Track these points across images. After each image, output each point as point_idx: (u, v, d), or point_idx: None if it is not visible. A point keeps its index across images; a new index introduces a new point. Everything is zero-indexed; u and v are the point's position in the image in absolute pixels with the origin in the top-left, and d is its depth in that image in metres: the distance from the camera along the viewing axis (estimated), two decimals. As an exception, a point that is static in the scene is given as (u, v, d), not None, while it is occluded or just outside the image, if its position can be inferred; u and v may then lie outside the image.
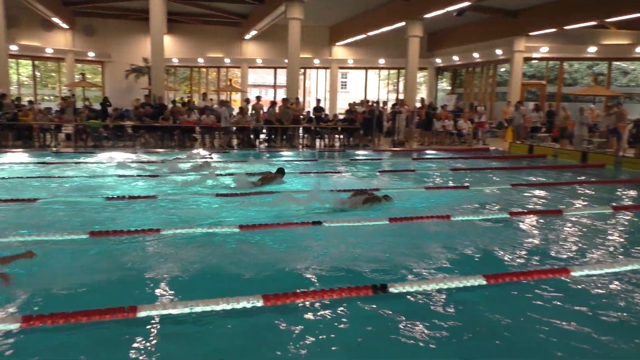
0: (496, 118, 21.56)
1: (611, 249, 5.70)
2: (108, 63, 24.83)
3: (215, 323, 3.67)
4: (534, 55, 21.74)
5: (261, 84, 33.53)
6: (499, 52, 21.86)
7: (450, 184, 9.45)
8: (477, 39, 22.76)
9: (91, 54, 24.13)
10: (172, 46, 24.58)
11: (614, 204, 7.87)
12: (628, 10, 16.19)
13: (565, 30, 19.44)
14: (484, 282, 4.36)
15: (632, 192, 9.42)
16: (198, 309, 3.73)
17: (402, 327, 3.75)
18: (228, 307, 3.78)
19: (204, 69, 27.30)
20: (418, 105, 19.30)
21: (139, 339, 3.44)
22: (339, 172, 10.79)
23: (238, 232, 5.76)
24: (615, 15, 17.04)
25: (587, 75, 24.24)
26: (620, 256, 5.45)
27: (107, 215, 6.50)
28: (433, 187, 8.86)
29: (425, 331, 3.67)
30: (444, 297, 4.18)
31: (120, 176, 9.46)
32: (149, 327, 3.58)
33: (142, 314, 3.66)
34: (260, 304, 3.85)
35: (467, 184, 9.23)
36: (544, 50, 21.40)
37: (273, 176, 9.08)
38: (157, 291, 4.20)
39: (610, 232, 6.41)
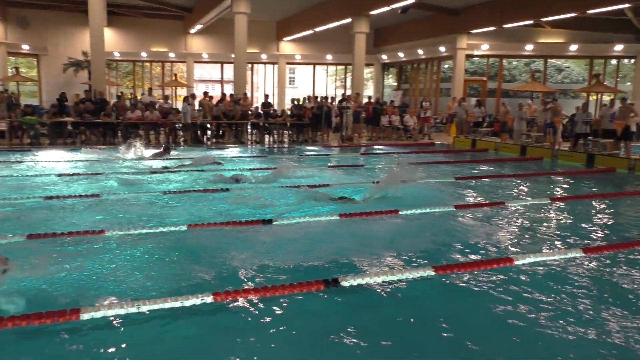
0: (441, 113, 22.13)
1: (551, 238, 5.97)
2: (44, 56, 23.64)
3: (164, 322, 3.57)
4: (476, 52, 22.44)
5: (208, 79, 32.95)
6: (442, 49, 22.43)
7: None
8: (421, 36, 23.25)
9: (25, 47, 22.90)
10: (113, 39, 23.71)
11: (551, 195, 8.24)
12: (561, 10, 16.99)
13: (504, 28, 20.18)
14: (433, 273, 4.46)
15: (568, 184, 9.91)
16: (145, 309, 3.62)
17: (354, 320, 3.77)
18: (177, 305, 3.69)
19: (147, 64, 26.51)
20: (365, 100, 19.53)
21: (82, 342, 3.29)
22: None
23: (186, 230, 5.63)
24: (550, 15, 17.84)
25: (525, 72, 25.29)
26: (559, 244, 5.72)
27: (45, 217, 6.19)
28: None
29: (378, 323, 3.71)
30: (396, 288, 4.24)
31: (60, 175, 9.06)
32: (94, 329, 3.44)
33: (85, 316, 3.50)
34: (210, 300, 3.78)
35: (413, 178, 9.41)
36: (485, 47, 22.13)
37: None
38: (104, 292, 4.03)
39: (549, 222, 6.71)
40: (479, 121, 19.03)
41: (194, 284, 4.18)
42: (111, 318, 3.56)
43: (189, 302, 3.73)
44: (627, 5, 16.47)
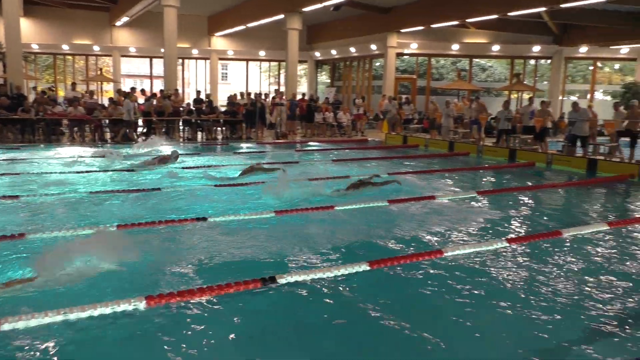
0: (373, 110, 22.58)
1: (478, 229, 6.26)
2: (-48, 47, 21.85)
3: (94, 330, 3.42)
4: (405, 51, 23.06)
5: (136, 74, 31.75)
6: (373, 47, 22.87)
7: (332, 174, 9.70)
8: (353, 34, 23.59)
9: None
10: (30, 30, 22.29)
11: (478, 189, 8.63)
12: (484, 12, 17.81)
13: (432, 28, 20.87)
14: (368, 268, 4.55)
15: (492, 178, 10.42)
16: (73, 316, 3.45)
17: (292, 317, 3.79)
18: (107, 311, 3.54)
19: (69, 57, 25.16)
20: (299, 97, 19.57)
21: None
22: (223, 166, 10.57)
23: (116, 232, 5.41)
24: (474, 16, 18.65)
25: (452, 70, 26.30)
26: (486, 236, 6.00)
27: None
28: (316, 179, 9.03)
29: (315, 319, 3.74)
30: (333, 284, 4.29)
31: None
32: (20, 340, 3.23)
33: (5, 327, 3.29)
34: (143, 306, 3.65)
35: (347, 175, 9.56)
36: (414, 46, 22.79)
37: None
38: (28, 301, 3.78)
39: (476, 214, 7.02)
40: (410, 118, 19.61)
41: (126, 288, 4.03)
42: (38, 327, 3.36)
43: (120, 308, 3.58)
44: (544, 8, 17.52)
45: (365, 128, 20.23)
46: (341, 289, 4.24)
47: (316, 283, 4.29)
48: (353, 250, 5.25)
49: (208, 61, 26.29)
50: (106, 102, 16.01)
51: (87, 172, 9.32)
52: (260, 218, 6.19)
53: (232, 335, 3.49)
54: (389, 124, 19.38)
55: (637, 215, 7.33)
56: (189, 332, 3.48)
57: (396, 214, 6.82)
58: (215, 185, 8.16)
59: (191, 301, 3.84)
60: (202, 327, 3.55)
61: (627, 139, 12.88)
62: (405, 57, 24.29)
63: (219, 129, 16.98)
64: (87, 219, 6.03)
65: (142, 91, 17.07)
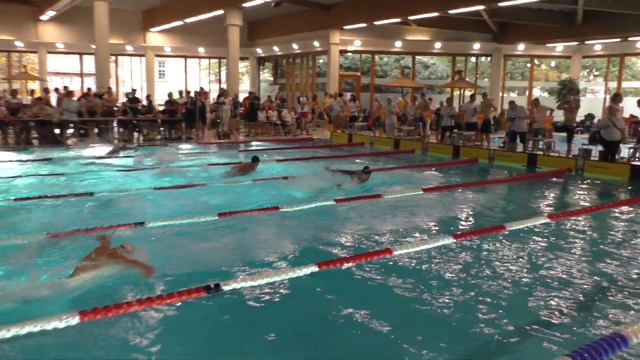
0: (318, 108, 22.66)
1: (424, 227, 6.38)
2: None
3: (23, 350, 3.21)
4: (349, 48, 23.29)
5: (64, 72, 30.35)
6: (316, 44, 22.95)
7: (277, 174, 9.66)
8: (295, 30, 23.57)
9: None
10: (-56, 25, 20.86)
11: (423, 186, 8.80)
12: (424, 10, 18.25)
13: (375, 25, 21.18)
14: (317, 269, 4.52)
15: (437, 174, 10.67)
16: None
17: (239, 325, 3.71)
18: (36, 329, 3.32)
19: (-11, 53, 23.74)
20: (245, 95, 19.37)
21: None
22: (157, 168, 10.26)
23: (46, 242, 5.13)
24: (415, 14, 19.09)
25: (396, 68, 26.81)
26: (433, 233, 6.13)
27: None
28: (261, 179, 8.95)
29: (265, 326, 3.68)
30: (281, 289, 4.24)
31: None
32: None
33: None
34: (76, 321, 3.46)
35: (293, 174, 9.55)
36: (357, 43, 23.05)
37: (249, 165, 9.74)
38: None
39: (423, 211, 7.17)
40: (355, 116, 19.82)
41: (59, 303, 3.81)
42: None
43: (50, 326, 3.38)
44: (482, 7, 18.17)
45: (310, 126, 20.26)
46: (291, 292, 4.20)
47: (263, 288, 4.22)
48: (301, 252, 5.22)
49: (144, 58, 25.52)
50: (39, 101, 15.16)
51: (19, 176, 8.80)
52: (202, 222, 6.04)
53: (175, 346, 3.38)
54: (333, 122, 19.51)
55: (576, 208, 7.71)
56: (127, 347, 3.33)
57: (343, 214, 6.85)
58: (155, 188, 7.92)
59: (129, 314, 3.67)
60: (141, 340, 3.41)
61: (564, 134, 13.59)
62: (348, 54, 24.53)
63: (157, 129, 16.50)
64: (14, 229, 5.68)
65: (66, 89, 16.31)
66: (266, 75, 28.77)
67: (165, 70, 35.47)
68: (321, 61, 24.91)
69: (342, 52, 23.42)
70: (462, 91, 24.32)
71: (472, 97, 16.40)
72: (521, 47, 23.53)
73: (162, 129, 16.48)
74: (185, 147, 14.45)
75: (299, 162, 11.48)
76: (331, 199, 7.44)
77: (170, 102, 17.13)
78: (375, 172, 10.22)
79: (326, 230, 6.03)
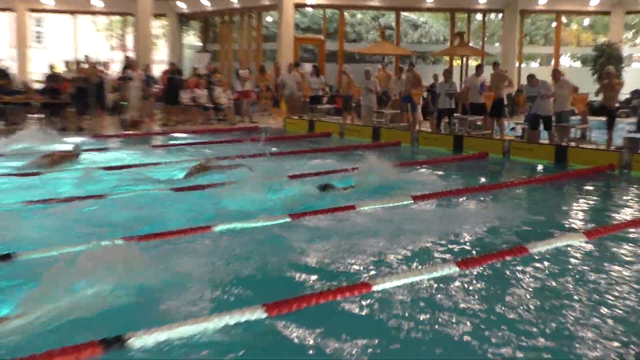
0: (265, 85, 22.63)
1: (416, 251, 6.39)
2: None
3: None
4: (308, 1, 23.32)
5: None
6: (263, -6, 22.96)
7: (210, 180, 9.59)
8: (233, -25, 23.52)
9: None
10: None
11: (414, 192, 8.84)
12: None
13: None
14: (264, 315, 4.45)
15: (433, 176, 10.76)
16: None
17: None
18: None
19: None
20: (163, 68, 19.19)
21: None
22: (36, 174, 9.99)
23: None
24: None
25: (373, 28, 27.06)
26: (428, 259, 6.15)
27: None
28: (184, 188, 8.86)
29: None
30: (214, 340, 4.16)
31: None
32: None
33: None
34: None
35: (232, 180, 9.48)
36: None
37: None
38: None
39: (413, 228, 7.18)
40: (318, 95, 19.86)
41: None
42: None
43: None
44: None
45: (255, 111, 20.22)
46: (221, 348, 4.13)
47: (188, 341, 4.13)
48: (241, 291, 5.15)
49: (11, 14, 24.93)
50: None
51: None
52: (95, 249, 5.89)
53: None
54: (287, 104, 19.51)
55: (622, 221, 7.88)
56: None
57: (303, 233, 6.81)
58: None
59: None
60: None
61: (603, 119, 13.95)
62: (308, 9, 24.63)
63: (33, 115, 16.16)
64: None
65: None
66: (192, 39, 28.57)
67: (45, 31, 34.80)
68: (269, 20, 24.91)
69: (299, 6, 23.48)
70: (464, 60, 24.74)
71: (479, 68, 16.67)
72: (543, 0, 24.07)
73: (39, 115, 16.11)
74: (74, 141, 14.14)
75: (241, 162, 11.37)
76: (285, 213, 7.39)
77: (52, 77, 16.78)
78: (347, 172, 10.24)
79: (278, 257, 5.97)
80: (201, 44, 27.59)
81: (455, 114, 16.15)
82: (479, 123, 15.75)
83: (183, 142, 14.72)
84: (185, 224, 6.82)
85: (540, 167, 12.09)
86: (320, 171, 10.51)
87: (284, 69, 20.75)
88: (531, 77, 14.09)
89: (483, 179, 10.97)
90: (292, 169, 10.63)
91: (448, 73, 16.44)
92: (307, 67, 21.93)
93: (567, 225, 7.71)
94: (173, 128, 17.20)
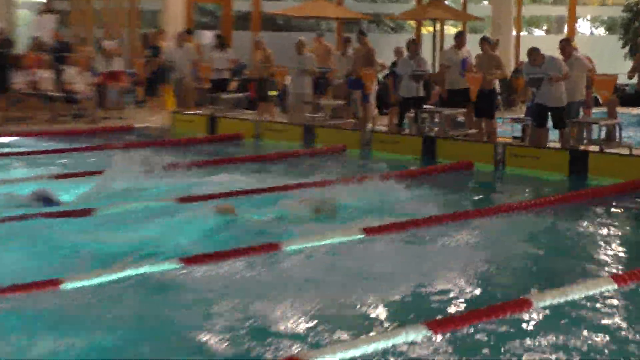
0: (143, 65, 22.45)
1: (370, 308, 6.41)
2: None
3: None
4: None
5: None
6: None
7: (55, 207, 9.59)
8: None
9: None
10: None
11: (366, 224, 8.87)
12: None
13: None
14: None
15: (395, 197, 10.79)
16: None
17: None
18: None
19: None
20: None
21: None
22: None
23: None
24: None
25: (304, -21, 27.24)
26: (388, 320, 6.18)
27: None
28: (10, 219, 8.86)
29: None
30: None
31: None
32: None
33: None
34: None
35: (75, 201, 9.62)
36: None
37: None
38: None
39: (366, 276, 7.21)
40: (223, 79, 19.74)
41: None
42: None
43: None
44: None
45: (128, 102, 20.09)
46: None
47: None
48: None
49: None
50: None
51: None
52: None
53: None
54: (177, 92, 19.31)
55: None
56: None
57: (201, 285, 6.84)
58: None
59: None
60: None
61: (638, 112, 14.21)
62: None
63: None
64: None
65: None
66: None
67: None
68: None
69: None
70: (438, 27, 25.06)
71: (459, 38, 16.77)
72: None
73: None
74: None
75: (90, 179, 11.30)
76: (174, 257, 7.34)
77: None
78: (264, 194, 10.27)
79: (177, 316, 6.08)
80: (44, 1, 27.30)
81: (425, 106, 16.18)
82: (460, 119, 15.85)
83: (13, 151, 14.44)
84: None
85: (549, 183, 12.17)
86: (222, 191, 10.49)
87: (171, 41, 20.56)
88: (534, 53, 14.03)
89: (465, 202, 11.05)
90: (183, 189, 10.58)
91: (414, 45, 16.54)
92: (207, 36, 21.88)
93: (587, 267, 7.82)
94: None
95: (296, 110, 17.63)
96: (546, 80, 13.62)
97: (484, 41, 16.03)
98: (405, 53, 16.40)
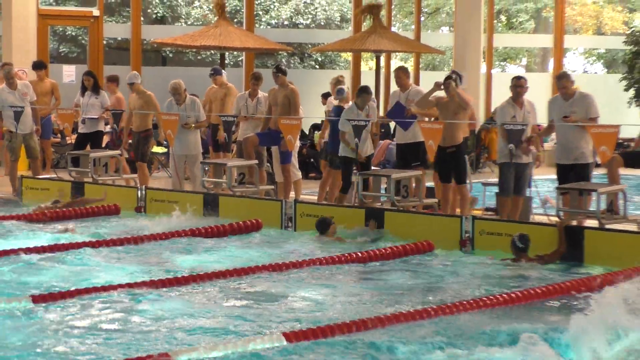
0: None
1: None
2: None
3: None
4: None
5: None
6: None
7: None
8: None
9: None
10: None
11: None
12: None
13: None
14: None
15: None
16: None
17: None
18: None
19: None
20: None
21: None
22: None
23: None
24: None
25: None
26: None
27: None
28: None
29: None
30: None
31: None
32: None
33: None
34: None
35: None
36: None
37: None
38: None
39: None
40: (94, 132, 19.73)
41: None
42: None
43: None
44: None
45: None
46: None
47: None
48: None
49: None
50: None
51: None
52: None
53: None
54: (10, 151, 18.94)
55: None
56: None
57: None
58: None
59: None
60: None
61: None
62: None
63: None
64: None
65: None
66: None
67: None
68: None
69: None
70: (383, 61, 25.50)
71: (401, 73, 17.08)
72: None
73: None
74: None
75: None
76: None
77: None
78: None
79: None
80: None
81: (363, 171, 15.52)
82: (412, 183, 15.78)
83: None
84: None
85: (534, 276, 12.20)
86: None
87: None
88: (564, 78, 14.21)
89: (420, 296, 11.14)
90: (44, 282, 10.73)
91: (365, 93, 16.17)
92: (66, 72, 22.05)
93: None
94: None
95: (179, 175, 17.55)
96: (520, 132, 13.80)
97: (448, 81, 15.66)
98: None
